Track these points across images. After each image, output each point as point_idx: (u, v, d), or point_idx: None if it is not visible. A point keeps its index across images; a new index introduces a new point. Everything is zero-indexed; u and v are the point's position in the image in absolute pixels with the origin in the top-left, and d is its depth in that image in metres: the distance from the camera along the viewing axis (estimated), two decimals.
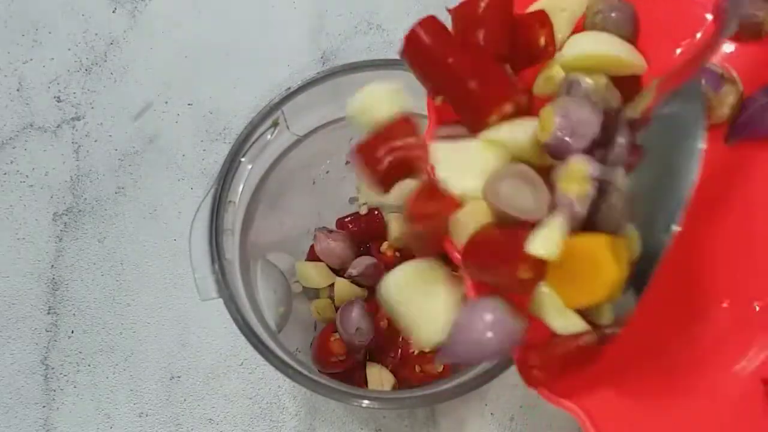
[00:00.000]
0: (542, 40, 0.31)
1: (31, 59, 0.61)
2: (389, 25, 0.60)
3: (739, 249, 0.32)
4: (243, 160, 0.42)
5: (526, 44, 0.31)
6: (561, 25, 0.31)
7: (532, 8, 0.32)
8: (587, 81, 0.30)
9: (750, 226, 0.32)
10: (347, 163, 0.52)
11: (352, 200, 0.54)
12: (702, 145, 0.25)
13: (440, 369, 0.47)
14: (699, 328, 0.31)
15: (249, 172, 0.43)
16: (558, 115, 0.27)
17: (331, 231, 0.51)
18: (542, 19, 0.31)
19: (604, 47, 0.30)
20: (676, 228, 0.24)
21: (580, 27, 0.32)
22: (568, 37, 0.31)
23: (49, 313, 0.54)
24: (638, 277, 0.25)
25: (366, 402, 0.38)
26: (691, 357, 0.31)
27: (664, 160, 0.26)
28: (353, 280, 0.50)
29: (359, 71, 0.43)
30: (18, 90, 0.60)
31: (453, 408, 0.51)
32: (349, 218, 0.53)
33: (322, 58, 0.60)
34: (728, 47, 0.33)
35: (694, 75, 0.27)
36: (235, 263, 0.42)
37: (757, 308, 0.31)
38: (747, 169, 0.32)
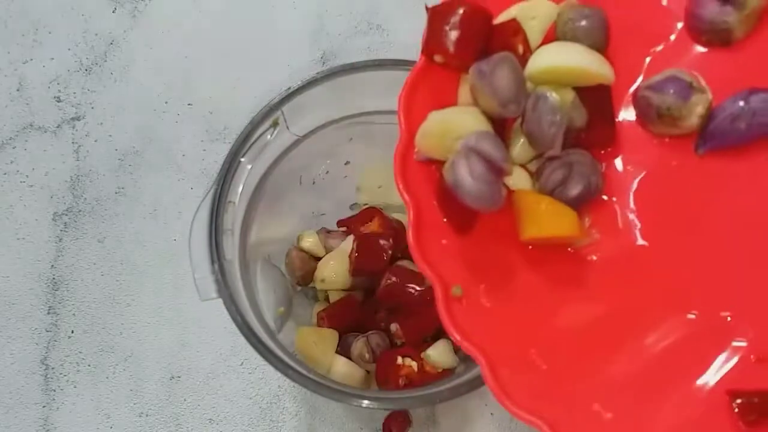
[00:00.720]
0: (520, 48, 0.31)
1: (31, 59, 0.61)
2: (389, 25, 0.60)
3: (714, 259, 0.32)
4: (243, 160, 0.42)
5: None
6: (532, 33, 0.31)
7: (502, 17, 0.31)
8: (554, 96, 0.30)
9: (725, 235, 0.32)
10: (347, 163, 0.52)
11: (353, 206, 0.54)
12: None
13: (440, 370, 0.47)
14: (660, 338, 0.31)
15: (249, 172, 0.43)
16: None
17: (330, 231, 0.51)
18: (515, 27, 0.31)
19: (570, 59, 0.30)
20: None
21: (551, 35, 0.32)
22: (539, 47, 0.31)
23: (49, 313, 0.54)
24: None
25: (366, 402, 0.38)
26: (652, 368, 0.30)
27: None
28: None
29: (359, 71, 0.43)
30: (18, 90, 0.60)
31: (453, 408, 0.51)
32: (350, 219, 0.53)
33: (322, 58, 0.60)
34: (698, 53, 0.33)
35: None
36: (235, 263, 0.42)
37: (729, 319, 0.31)
38: (719, 178, 0.32)
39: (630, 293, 0.32)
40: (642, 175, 0.33)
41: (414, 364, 0.45)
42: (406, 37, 0.60)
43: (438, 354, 0.46)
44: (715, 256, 0.32)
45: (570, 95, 0.30)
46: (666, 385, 0.30)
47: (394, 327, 0.47)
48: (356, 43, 0.60)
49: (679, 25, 0.33)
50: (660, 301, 0.31)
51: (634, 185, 0.33)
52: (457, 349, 0.48)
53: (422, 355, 0.46)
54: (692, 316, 0.31)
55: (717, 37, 0.32)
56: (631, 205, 0.33)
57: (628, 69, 0.33)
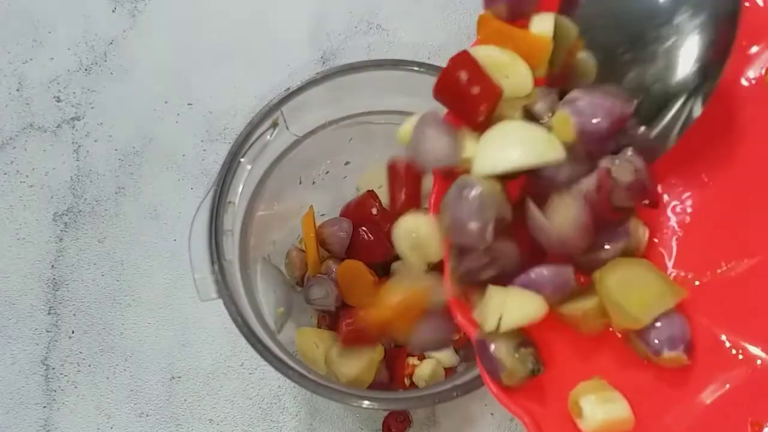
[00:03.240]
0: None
1: (31, 59, 0.61)
2: (389, 25, 0.60)
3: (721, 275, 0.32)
4: (242, 160, 0.42)
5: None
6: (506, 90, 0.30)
7: (481, 52, 0.30)
8: (478, 188, 0.28)
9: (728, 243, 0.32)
10: (347, 163, 0.52)
11: None
12: None
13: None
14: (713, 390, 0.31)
15: (248, 172, 0.43)
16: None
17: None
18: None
19: (516, 160, 0.28)
20: None
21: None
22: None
23: (49, 314, 0.54)
24: None
25: (366, 402, 0.38)
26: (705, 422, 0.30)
27: None
28: None
29: (359, 71, 0.43)
30: (18, 90, 0.60)
31: (453, 408, 0.51)
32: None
33: (322, 58, 0.60)
34: None
35: None
36: (235, 264, 0.42)
37: (727, 343, 0.31)
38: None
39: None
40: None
41: (419, 364, 0.45)
42: (406, 37, 0.60)
43: (441, 353, 0.46)
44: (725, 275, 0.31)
45: (497, 186, 0.28)
46: (663, 397, 0.30)
47: None
48: (356, 43, 0.60)
49: None
50: (710, 343, 0.31)
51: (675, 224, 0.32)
52: (458, 349, 0.48)
53: (426, 354, 0.46)
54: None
55: None
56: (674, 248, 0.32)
57: None
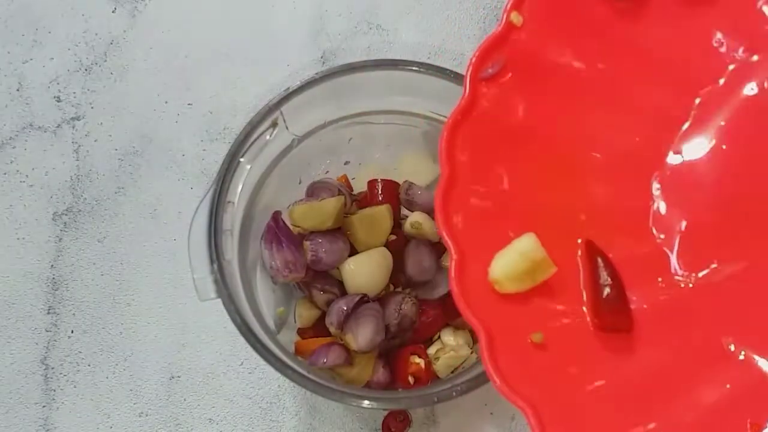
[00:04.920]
0: None
1: (31, 59, 0.61)
2: (389, 25, 0.60)
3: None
4: (242, 160, 0.42)
5: None
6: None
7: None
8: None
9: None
10: (347, 163, 0.52)
11: None
12: None
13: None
14: (716, 386, 0.31)
15: (248, 172, 0.43)
16: None
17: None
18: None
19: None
20: None
21: None
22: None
23: (49, 313, 0.54)
24: None
25: (366, 402, 0.38)
26: (707, 419, 0.30)
27: None
28: None
29: (358, 71, 0.43)
30: (18, 90, 0.60)
31: (453, 408, 0.51)
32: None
33: (322, 58, 0.60)
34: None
35: None
36: (234, 263, 0.42)
37: (730, 346, 0.31)
38: None
39: (681, 341, 0.32)
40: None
41: (422, 362, 0.45)
42: (406, 37, 0.60)
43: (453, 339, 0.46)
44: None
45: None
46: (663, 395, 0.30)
47: None
48: (356, 43, 0.60)
49: (731, 67, 0.33)
50: (712, 345, 0.31)
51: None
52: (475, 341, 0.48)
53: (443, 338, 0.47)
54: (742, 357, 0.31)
55: None
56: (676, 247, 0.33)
57: (679, 107, 0.33)
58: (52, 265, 0.55)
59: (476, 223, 0.33)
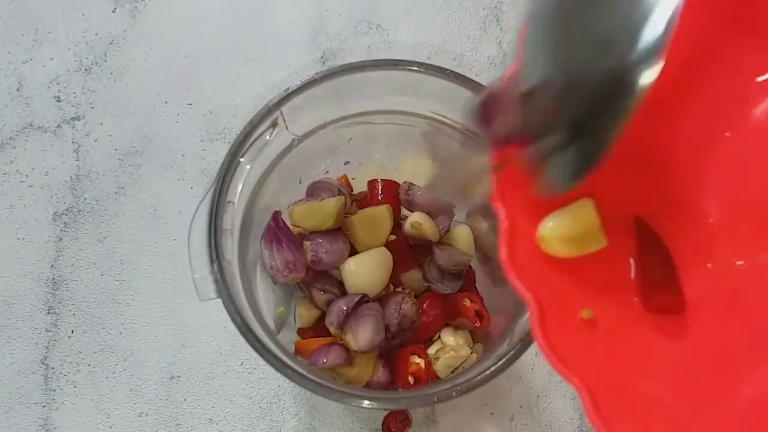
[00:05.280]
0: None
1: (31, 59, 0.61)
2: (389, 25, 0.60)
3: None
4: (242, 160, 0.42)
5: None
6: None
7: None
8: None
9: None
10: (347, 163, 0.52)
11: None
12: None
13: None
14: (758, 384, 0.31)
15: (248, 172, 0.43)
16: None
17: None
18: None
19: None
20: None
21: None
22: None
23: (49, 313, 0.54)
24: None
25: (366, 402, 0.38)
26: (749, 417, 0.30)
27: None
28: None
29: (358, 71, 0.43)
30: (18, 90, 0.60)
31: (453, 408, 0.51)
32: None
33: (322, 58, 0.60)
34: None
35: None
36: (234, 263, 0.42)
37: None
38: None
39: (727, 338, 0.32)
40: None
41: (422, 362, 0.45)
42: (406, 37, 0.60)
43: (453, 339, 0.47)
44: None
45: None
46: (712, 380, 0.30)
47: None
48: (356, 43, 0.60)
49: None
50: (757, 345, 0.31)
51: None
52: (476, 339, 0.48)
53: (443, 336, 0.47)
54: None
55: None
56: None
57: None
58: (52, 265, 0.55)
59: (527, 192, 0.32)
